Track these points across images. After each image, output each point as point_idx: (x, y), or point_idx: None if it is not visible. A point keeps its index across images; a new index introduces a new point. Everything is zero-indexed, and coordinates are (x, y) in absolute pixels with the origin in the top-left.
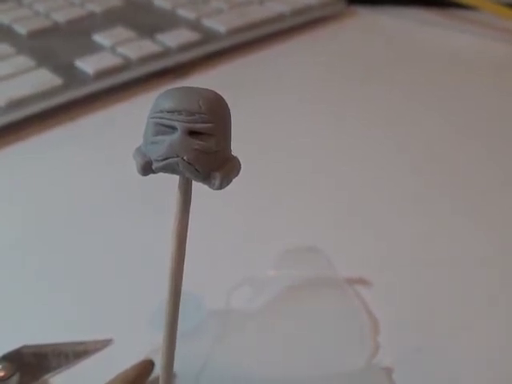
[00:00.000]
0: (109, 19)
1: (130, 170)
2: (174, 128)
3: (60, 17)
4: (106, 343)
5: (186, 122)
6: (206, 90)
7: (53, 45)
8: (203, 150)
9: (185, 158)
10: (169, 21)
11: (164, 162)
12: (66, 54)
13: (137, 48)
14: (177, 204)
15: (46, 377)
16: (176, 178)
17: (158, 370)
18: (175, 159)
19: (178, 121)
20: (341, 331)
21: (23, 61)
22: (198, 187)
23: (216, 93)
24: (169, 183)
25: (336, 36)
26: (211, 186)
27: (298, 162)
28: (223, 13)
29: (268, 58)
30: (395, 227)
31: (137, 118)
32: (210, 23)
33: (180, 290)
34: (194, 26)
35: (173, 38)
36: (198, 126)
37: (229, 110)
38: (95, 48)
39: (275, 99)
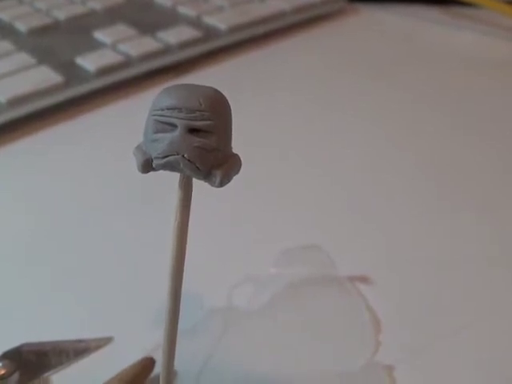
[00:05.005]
0: (109, 16)
1: (130, 168)
2: (174, 125)
3: (60, 14)
4: (106, 341)
5: (186, 119)
6: (207, 87)
7: (53, 42)
8: (204, 148)
9: (185, 155)
10: (169, 18)
11: (164, 160)
12: (66, 51)
13: (137, 45)
14: (177, 201)
15: (47, 375)
16: (176, 175)
17: (158, 368)
18: (176, 157)
19: (178, 118)
20: (342, 329)
21: (24, 58)
22: (198, 185)
23: (217, 90)
24: (169, 180)
25: (337, 34)
26: (212, 183)
27: (299, 160)
28: (224, 10)
29: (269, 56)
30: (397, 225)
31: (137, 115)
32: (211, 21)
33: (181, 287)
34: (195, 23)
35: (173, 36)
36: (199, 124)
37: (229, 107)
38: (96, 45)
39: (275, 97)
